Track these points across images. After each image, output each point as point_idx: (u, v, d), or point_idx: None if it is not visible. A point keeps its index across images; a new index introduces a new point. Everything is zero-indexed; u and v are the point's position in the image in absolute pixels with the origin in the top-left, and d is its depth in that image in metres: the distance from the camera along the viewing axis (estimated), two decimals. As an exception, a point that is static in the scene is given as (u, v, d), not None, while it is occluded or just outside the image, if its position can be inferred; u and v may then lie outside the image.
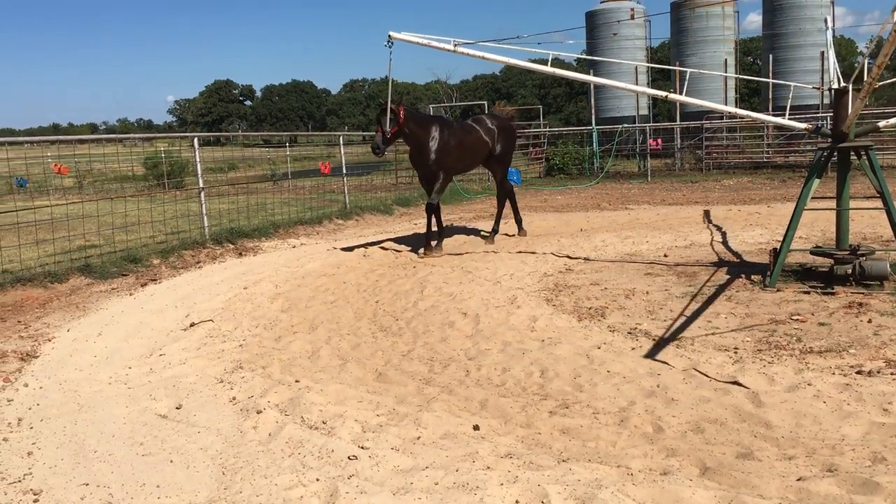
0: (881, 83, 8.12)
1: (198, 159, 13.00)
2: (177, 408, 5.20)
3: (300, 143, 77.20)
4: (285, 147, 38.90)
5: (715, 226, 12.72)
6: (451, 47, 9.39)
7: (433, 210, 11.37)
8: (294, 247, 12.70)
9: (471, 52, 9.48)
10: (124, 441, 4.65)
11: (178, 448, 4.51)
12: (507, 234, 13.08)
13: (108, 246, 11.66)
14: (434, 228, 11.53)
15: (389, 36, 9.84)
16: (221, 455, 4.37)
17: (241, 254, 11.98)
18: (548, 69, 9.53)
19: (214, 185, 23.49)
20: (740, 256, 9.85)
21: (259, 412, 4.97)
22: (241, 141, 75.34)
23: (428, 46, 9.62)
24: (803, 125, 8.65)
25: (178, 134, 34.79)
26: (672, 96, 9.35)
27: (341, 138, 19.83)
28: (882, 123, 8.53)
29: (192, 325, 7.44)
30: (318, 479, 3.95)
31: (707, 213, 14.42)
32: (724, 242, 11.07)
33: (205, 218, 12.86)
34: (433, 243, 11.41)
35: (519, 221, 13.20)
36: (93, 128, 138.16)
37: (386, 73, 10.43)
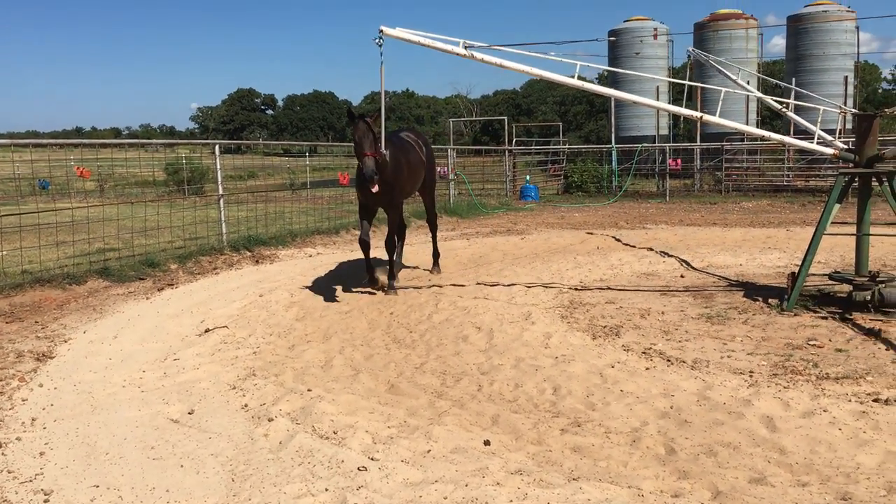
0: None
1: (218, 166, 13.13)
2: (189, 413, 5.22)
3: (320, 153, 77.56)
4: (305, 157, 39.13)
5: (732, 248, 12.64)
6: (460, 49, 8.01)
7: (393, 247, 9.64)
8: (311, 256, 12.75)
9: (486, 57, 8.14)
10: (136, 444, 4.67)
11: (188, 453, 4.52)
12: (523, 253, 13.05)
13: (126, 250, 11.76)
14: (365, 261, 9.63)
15: (380, 31, 7.91)
16: (232, 462, 4.38)
17: (257, 261, 12.04)
18: (573, 81, 8.37)
19: (234, 192, 23.70)
20: (758, 279, 9.77)
21: (270, 420, 4.98)
22: (261, 149, 75.76)
23: (430, 47, 8.13)
24: (832, 150, 8.57)
25: (199, 141, 35.06)
26: (707, 117, 8.95)
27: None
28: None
29: (207, 330, 7.48)
30: (327, 489, 3.95)
31: (723, 235, 14.34)
32: (742, 265, 10.99)
33: (223, 225, 12.94)
34: (379, 277, 9.62)
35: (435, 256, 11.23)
36: (116, 132, 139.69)
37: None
